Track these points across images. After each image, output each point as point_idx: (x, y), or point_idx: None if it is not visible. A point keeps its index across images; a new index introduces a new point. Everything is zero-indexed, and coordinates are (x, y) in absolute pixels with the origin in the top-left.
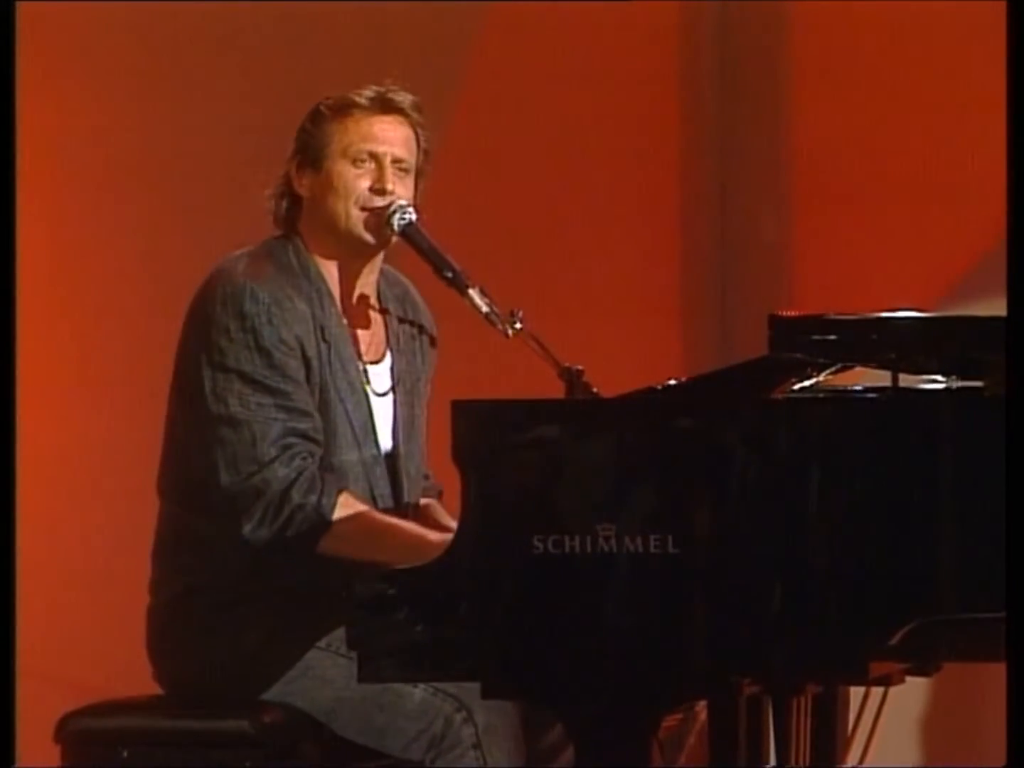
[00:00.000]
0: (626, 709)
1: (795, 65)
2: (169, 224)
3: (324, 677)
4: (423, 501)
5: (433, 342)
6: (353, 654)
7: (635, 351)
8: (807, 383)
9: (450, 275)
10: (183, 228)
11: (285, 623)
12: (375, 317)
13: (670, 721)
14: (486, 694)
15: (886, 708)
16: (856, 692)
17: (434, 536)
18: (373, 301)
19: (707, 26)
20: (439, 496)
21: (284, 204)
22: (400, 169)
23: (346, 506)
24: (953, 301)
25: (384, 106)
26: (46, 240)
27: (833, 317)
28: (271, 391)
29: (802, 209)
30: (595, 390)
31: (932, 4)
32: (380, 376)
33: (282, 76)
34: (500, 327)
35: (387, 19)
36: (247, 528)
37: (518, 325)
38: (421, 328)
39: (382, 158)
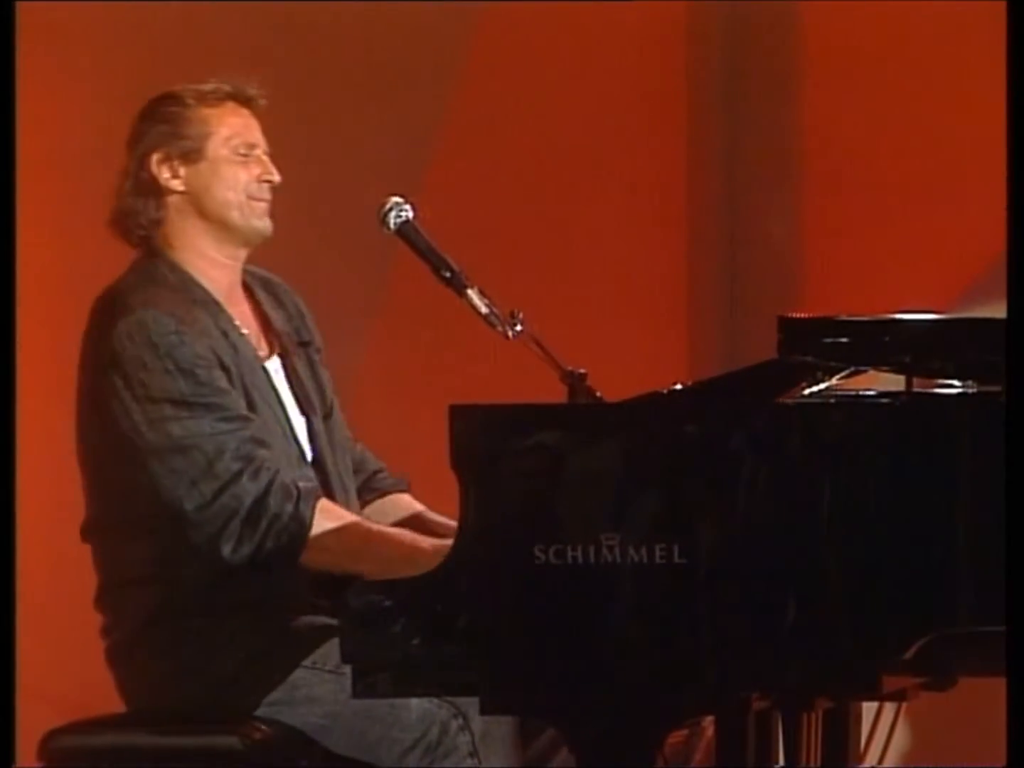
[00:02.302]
0: (630, 725)
1: (804, 64)
2: None
3: (312, 696)
4: (417, 508)
5: (319, 351)
6: (341, 670)
7: (640, 354)
8: (818, 387)
9: (448, 275)
10: None
11: (264, 644)
12: (250, 312)
13: (676, 737)
14: (485, 710)
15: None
16: (868, 707)
17: (427, 543)
18: (245, 297)
19: (715, 25)
20: (407, 488)
21: (153, 203)
22: None
23: (327, 513)
24: (969, 302)
25: (247, 100)
26: (47, 239)
27: (845, 319)
28: (208, 408)
29: (812, 209)
30: (598, 394)
31: (940, 4)
32: (277, 373)
33: (282, 76)
34: (500, 328)
35: (389, 18)
36: (226, 550)
37: (519, 327)
38: (306, 342)
39: (258, 150)
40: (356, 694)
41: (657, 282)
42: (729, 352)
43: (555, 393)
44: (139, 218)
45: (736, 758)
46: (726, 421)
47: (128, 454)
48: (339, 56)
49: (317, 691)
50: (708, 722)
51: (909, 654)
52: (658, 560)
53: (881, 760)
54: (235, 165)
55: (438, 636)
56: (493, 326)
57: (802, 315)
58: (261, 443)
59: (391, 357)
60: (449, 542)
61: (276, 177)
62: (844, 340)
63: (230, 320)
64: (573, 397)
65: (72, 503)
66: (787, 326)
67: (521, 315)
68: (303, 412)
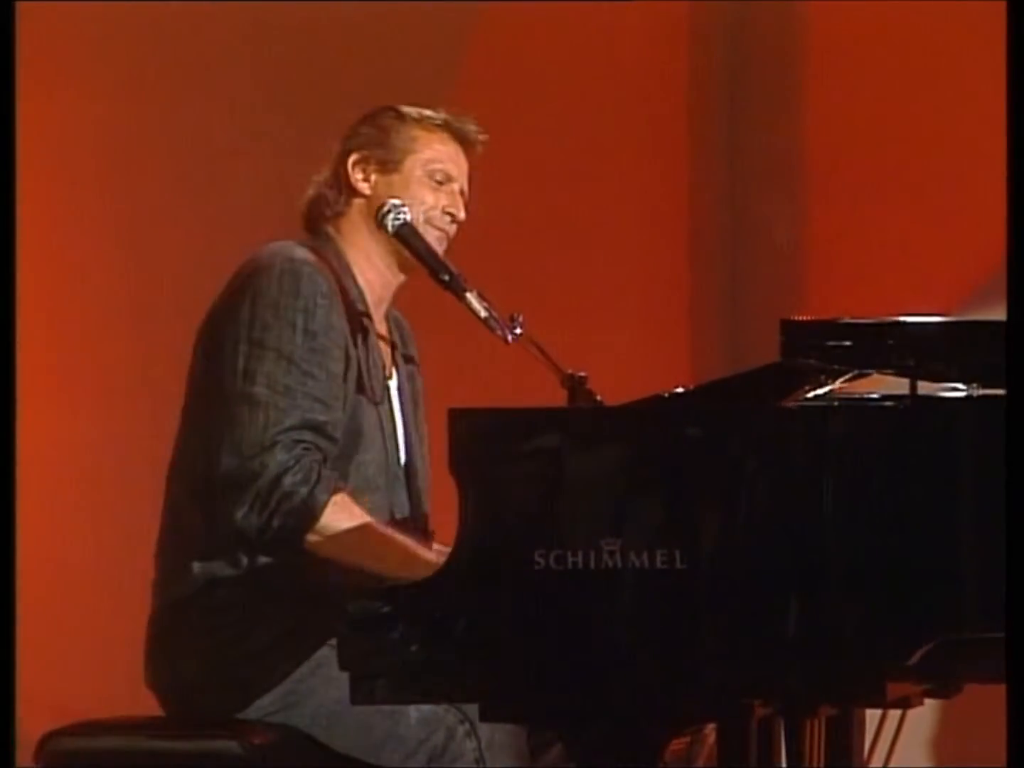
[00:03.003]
0: (631, 732)
1: (806, 64)
2: (172, 224)
3: (331, 676)
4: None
5: (419, 370)
6: None
7: (641, 357)
8: (821, 391)
9: (447, 278)
10: (186, 229)
11: (298, 620)
12: (385, 331)
13: (677, 744)
14: (484, 716)
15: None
16: (872, 715)
17: (430, 554)
18: (386, 319)
19: (718, 26)
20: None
21: (342, 199)
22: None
23: (341, 507)
24: (974, 305)
25: (464, 138)
26: (47, 240)
27: (848, 321)
28: (303, 375)
29: (815, 210)
30: (599, 398)
31: (940, 4)
32: (394, 392)
33: (281, 75)
34: (499, 332)
35: (389, 18)
36: (239, 515)
37: (518, 330)
38: (416, 363)
39: (455, 184)
40: (355, 701)
41: (658, 284)
42: (731, 355)
43: (555, 397)
44: (325, 209)
45: (738, 764)
46: (728, 425)
47: (212, 395)
48: (339, 56)
49: (335, 671)
50: (710, 729)
51: (914, 660)
52: (660, 565)
53: (886, 764)
54: (425, 188)
55: (437, 642)
56: (492, 329)
57: (805, 318)
58: (320, 432)
59: None
60: None
61: (461, 214)
62: (847, 343)
63: (371, 323)
64: (573, 401)
65: (72, 504)
66: (789, 329)
67: (521, 318)
68: (405, 430)
